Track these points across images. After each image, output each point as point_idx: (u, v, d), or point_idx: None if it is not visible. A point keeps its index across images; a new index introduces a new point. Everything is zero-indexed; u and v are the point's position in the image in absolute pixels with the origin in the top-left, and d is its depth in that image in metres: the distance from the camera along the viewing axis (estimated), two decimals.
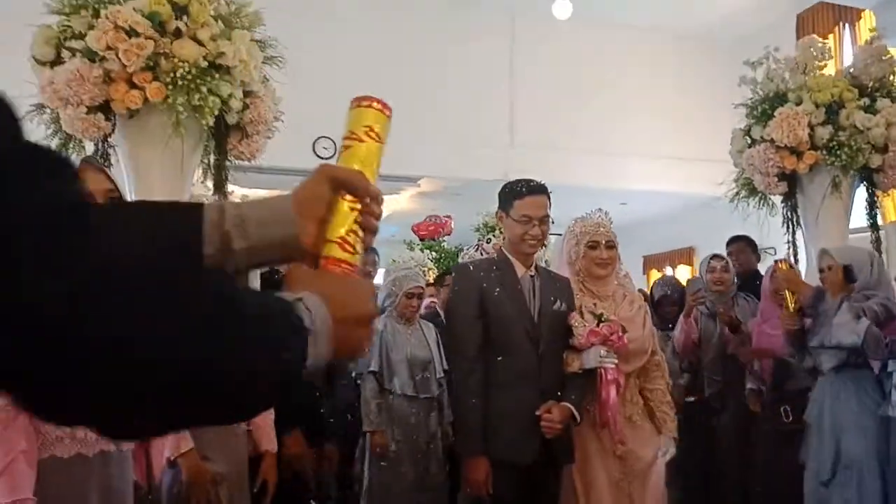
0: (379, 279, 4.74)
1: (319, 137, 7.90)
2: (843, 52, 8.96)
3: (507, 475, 2.33)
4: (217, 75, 2.64)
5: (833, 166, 3.54)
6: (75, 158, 2.18)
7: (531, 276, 2.48)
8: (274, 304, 0.61)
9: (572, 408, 2.36)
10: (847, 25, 8.96)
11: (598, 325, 2.38)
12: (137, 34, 2.54)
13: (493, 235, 6.48)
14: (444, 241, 8.66)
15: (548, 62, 8.41)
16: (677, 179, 8.06)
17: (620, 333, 2.38)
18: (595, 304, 2.50)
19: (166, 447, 2.06)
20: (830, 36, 9.17)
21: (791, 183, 3.72)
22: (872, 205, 3.74)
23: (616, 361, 2.39)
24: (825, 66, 3.69)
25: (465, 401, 2.37)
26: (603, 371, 2.38)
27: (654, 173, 8.14)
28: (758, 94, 3.74)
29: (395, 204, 10.27)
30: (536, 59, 8.44)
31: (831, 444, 2.98)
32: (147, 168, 2.71)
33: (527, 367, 2.37)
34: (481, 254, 6.22)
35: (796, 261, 3.76)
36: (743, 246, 4.12)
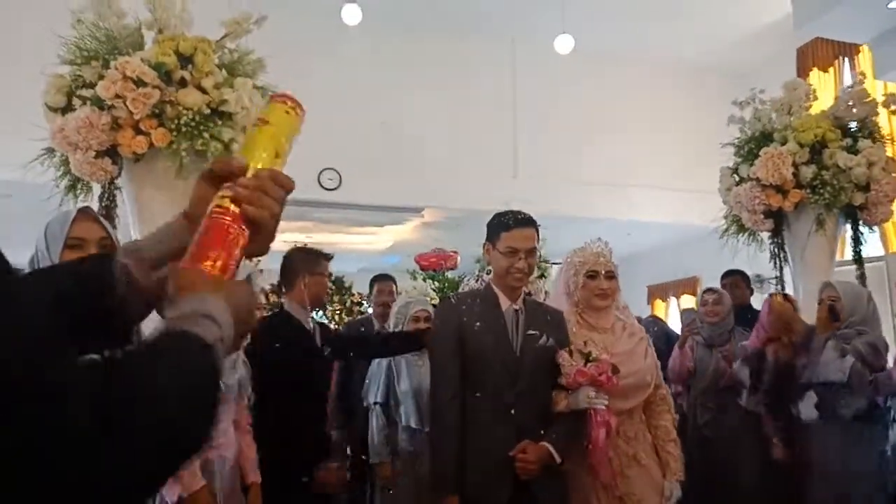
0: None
1: (324, 169, 8.05)
2: (843, 86, 9.07)
3: None
4: (220, 121, 2.77)
5: (817, 204, 3.63)
6: (73, 207, 2.27)
7: (515, 310, 2.40)
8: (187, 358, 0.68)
9: (550, 447, 2.26)
10: (846, 59, 9.08)
11: (585, 364, 2.30)
12: (144, 84, 2.67)
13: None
14: (448, 272, 8.75)
15: (550, 94, 8.56)
16: (681, 210, 8.15)
17: (610, 374, 2.29)
18: (585, 343, 2.40)
19: (177, 487, 2.11)
20: (830, 69, 9.30)
21: (777, 220, 3.82)
22: (857, 241, 3.83)
23: (606, 402, 2.30)
24: (811, 106, 3.79)
25: (439, 439, 2.31)
26: (592, 412, 2.30)
27: (658, 204, 8.23)
28: (745, 133, 3.85)
29: (398, 234, 10.39)
30: (539, 91, 8.59)
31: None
32: (150, 208, 2.82)
33: (503, 405, 2.29)
34: (481, 285, 6.33)
35: (784, 297, 3.84)
36: (737, 280, 4.23)
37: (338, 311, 11.15)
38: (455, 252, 8.96)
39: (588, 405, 2.28)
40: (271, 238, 0.87)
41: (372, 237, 10.66)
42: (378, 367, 3.57)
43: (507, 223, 2.37)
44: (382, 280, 4.47)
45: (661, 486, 2.47)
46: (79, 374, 0.58)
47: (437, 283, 8.35)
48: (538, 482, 2.24)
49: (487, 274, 6.46)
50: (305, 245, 3.11)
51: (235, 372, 2.51)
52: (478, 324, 2.34)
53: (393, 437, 3.43)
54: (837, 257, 4.09)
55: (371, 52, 8.07)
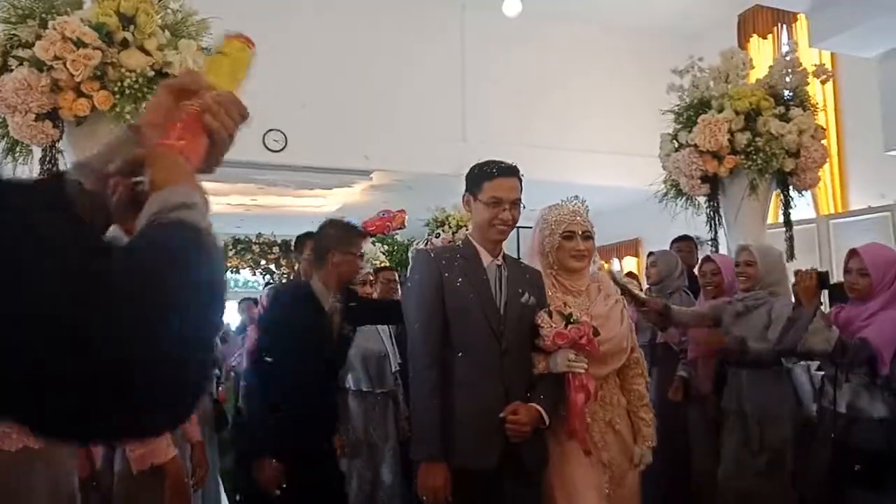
0: None
1: (269, 130, 7.93)
2: (781, 53, 9.33)
3: (469, 482, 2.13)
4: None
5: (750, 170, 3.79)
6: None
7: (498, 266, 2.28)
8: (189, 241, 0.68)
9: (541, 409, 2.17)
10: (784, 27, 9.31)
11: (566, 326, 2.20)
12: (85, 45, 2.62)
13: (443, 230, 6.66)
14: (396, 234, 8.79)
15: (499, 57, 8.57)
16: (626, 174, 8.32)
17: (591, 336, 2.19)
18: (564, 304, 2.31)
19: (153, 454, 2.08)
20: (770, 35, 9.54)
21: (713, 185, 3.98)
22: (787, 205, 4.02)
23: (586, 366, 2.21)
24: (747, 75, 3.93)
25: (421, 401, 2.17)
26: (571, 376, 2.21)
27: (604, 167, 8.37)
28: (685, 100, 3.98)
29: (347, 197, 10.33)
30: (488, 55, 8.59)
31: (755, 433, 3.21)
32: None
33: (490, 365, 2.18)
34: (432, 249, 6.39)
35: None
36: (683, 245, 4.36)
37: (285, 276, 11.12)
38: (402, 211, 9.00)
39: (567, 369, 2.19)
40: (219, 159, 0.91)
41: (320, 200, 10.59)
42: None
43: (490, 172, 2.25)
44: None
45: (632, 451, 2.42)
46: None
47: (386, 247, 8.40)
48: (525, 445, 2.16)
49: (437, 237, 6.55)
50: (342, 220, 2.95)
51: None
52: (460, 280, 2.21)
53: (342, 402, 3.34)
54: (769, 220, 4.28)
55: (319, 13, 7.94)
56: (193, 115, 0.88)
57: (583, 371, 2.21)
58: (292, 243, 10.65)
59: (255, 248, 11.30)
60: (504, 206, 2.22)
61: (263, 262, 11.64)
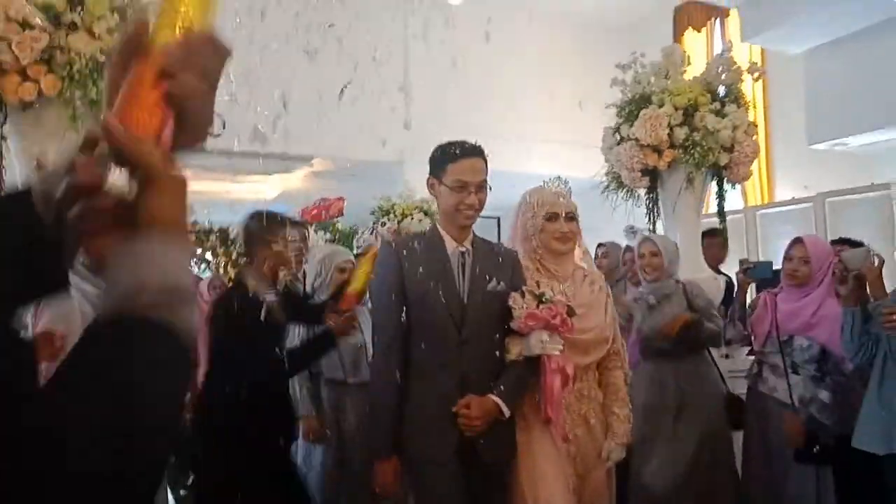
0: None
1: None
2: (713, 46, 9.66)
3: (430, 473, 2.10)
4: None
5: (688, 163, 3.97)
6: None
7: (462, 252, 2.19)
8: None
9: (498, 400, 2.08)
10: (718, 21, 9.65)
11: (538, 306, 2.11)
12: (31, 26, 2.56)
13: (388, 219, 6.68)
14: (338, 221, 8.77)
15: (441, 44, 8.62)
16: (567, 164, 8.47)
17: (564, 316, 2.11)
18: (537, 284, 2.23)
19: None
20: (704, 29, 9.88)
21: (653, 177, 4.14)
22: (721, 197, 4.23)
23: (561, 347, 2.13)
24: (685, 71, 4.10)
25: (377, 393, 2.16)
26: (546, 359, 2.12)
27: (547, 157, 8.52)
28: (627, 94, 4.13)
29: (287, 183, 10.24)
30: (430, 42, 8.63)
31: None
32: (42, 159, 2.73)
33: (447, 354, 2.11)
34: (376, 237, 6.41)
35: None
36: (715, 240, 4.40)
37: (224, 264, 10.92)
38: (340, 198, 8.95)
39: (541, 351, 2.11)
40: (203, 131, 0.71)
41: (259, 186, 10.45)
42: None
43: (453, 153, 2.14)
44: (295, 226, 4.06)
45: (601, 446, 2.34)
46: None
47: (328, 235, 8.37)
48: (484, 438, 2.09)
49: (382, 226, 6.58)
50: (263, 211, 2.85)
51: None
52: (420, 269, 2.13)
53: (315, 390, 3.31)
54: (703, 211, 4.48)
55: None
56: (144, 79, 0.63)
57: (558, 352, 2.11)
58: (230, 231, 10.49)
59: (192, 236, 11.07)
60: (470, 190, 2.13)
61: (199, 250, 11.39)
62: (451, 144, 2.19)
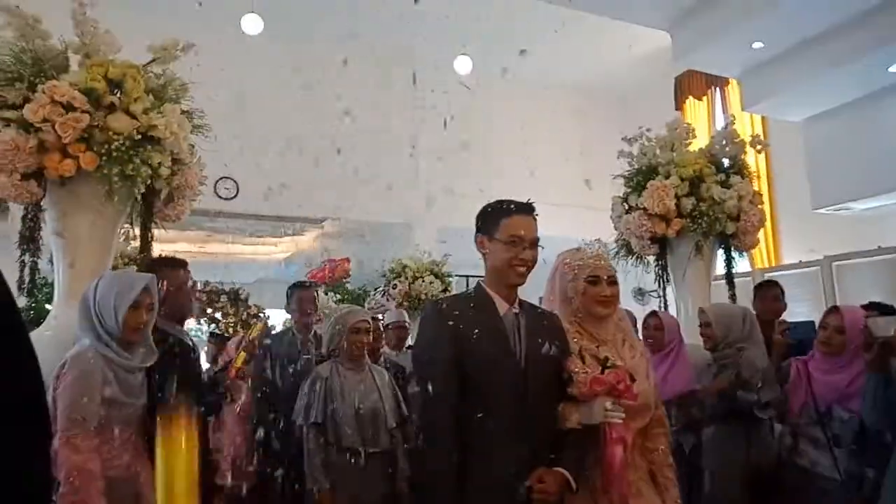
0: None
1: (221, 178, 8.02)
2: (714, 114, 9.92)
3: None
4: (149, 147, 2.84)
5: (696, 232, 4.09)
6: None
7: (515, 314, 2.09)
8: None
9: (567, 474, 1.95)
10: (718, 90, 9.92)
11: (602, 371, 2.02)
12: (74, 108, 2.71)
13: (399, 281, 6.78)
14: (347, 282, 8.86)
15: (450, 112, 8.87)
16: (578, 226, 8.59)
17: (629, 382, 2.01)
18: (598, 347, 2.16)
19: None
20: (704, 98, 10.15)
21: (661, 244, 4.26)
22: (729, 264, 4.32)
23: (623, 415, 2.01)
24: (690, 143, 4.25)
25: (439, 473, 1.93)
26: (608, 428, 1.99)
27: (556, 219, 8.61)
28: (634, 166, 4.27)
29: (297, 245, 10.39)
30: (439, 109, 8.88)
31: None
32: (76, 231, 2.84)
33: (514, 426, 1.97)
34: (387, 299, 6.50)
35: (664, 309, 4.28)
36: (769, 293, 4.35)
37: (232, 325, 10.97)
38: (345, 259, 9.05)
39: (603, 419, 1.98)
40: None
41: (270, 248, 10.61)
42: (313, 386, 3.25)
43: (507, 209, 2.10)
44: (304, 289, 4.05)
45: None
46: None
47: (338, 296, 8.46)
48: None
49: (394, 288, 6.67)
50: (161, 256, 2.90)
51: (143, 394, 2.43)
52: (476, 332, 2.02)
53: (329, 460, 3.15)
54: (714, 272, 4.57)
55: (275, 64, 8.12)
56: None
57: (620, 421, 2.00)
58: (241, 292, 10.57)
59: (203, 296, 11.15)
60: (524, 245, 2.06)
61: (210, 310, 11.45)
62: (502, 202, 2.13)
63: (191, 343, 2.87)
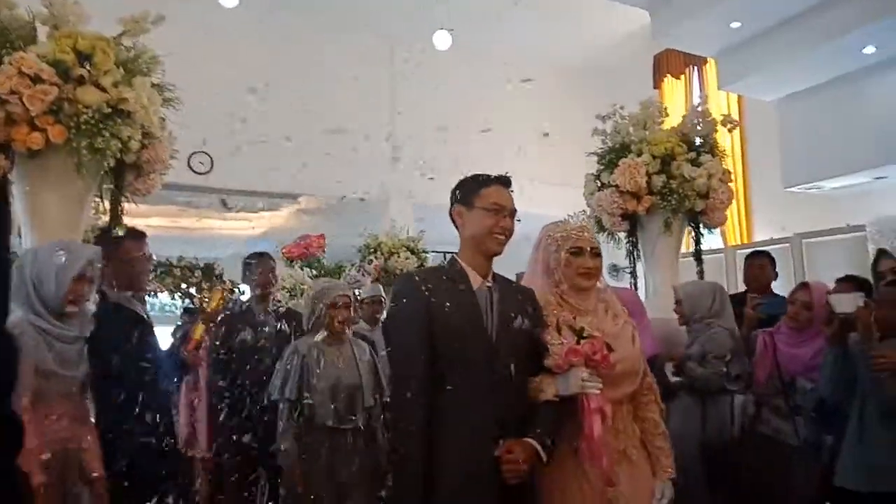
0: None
1: (195, 152, 7.92)
2: (692, 93, 9.97)
3: None
4: (119, 120, 2.82)
5: (665, 209, 4.16)
6: None
7: (488, 288, 2.09)
8: None
9: (537, 445, 1.95)
10: (696, 68, 9.96)
11: (578, 342, 2.01)
12: (42, 80, 2.68)
13: (375, 257, 6.80)
14: (322, 258, 8.86)
15: (428, 88, 8.83)
16: (553, 203, 8.64)
17: (605, 352, 2.01)
18: (575, 318, 2.13)
19: None
20: (682, 76, 10.18)
21: (632, 221, 4.32)
22: (698, 241, 4.42)
23: (601, 386, 2.01)
24: (663, 122, 4.30)
25: (406, 441, 1.94)
26: (585, 399, 1.99)
27: (531, 196, 8.65)
28: (607, 143, 4.32)
29: (273, 220, 10.34)
30: (417, 85, 8.84)
31: None
32: (45, 205, 2.83)
33: (482, 398, 1.97)
34: (363, 274, 6.52)
35: (635, 287, 4.36)
36: (755, 261, 4.34)
37: (207, 300, 10.91)
38: (321, 236, 9.02)
39: (580, 390, 1.99)
40: None
41: (245, 223, 10.55)
42: (290, 361, 3.22)
43: (486, 179, 2.13)
44: (261, 259, 4.00)
45: (651, 486, 2.22)
46: None
47: (313, 271, 8.45)
48: (524, 485, 1.95)
49: (369, 263, 6.69)
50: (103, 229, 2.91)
51: (82, 364, 2.43)
52: (447, 304, 2.01)
53: (303, 436, 3.13)
54: (684, 249, 4.65)
55: (249, 39, 8.02)
56: None
57: (598, 392, 2.00)
58: (216, 266, 10.51)
59: (177, 271, 11.10)
60: (504, 213, 2.09)
61: (184, 285, 11.39)
62: (479, 175, 2.16)
63: (145, 315, 2.87)
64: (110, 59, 2.84)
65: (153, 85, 3.03)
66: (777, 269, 4.31)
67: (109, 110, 2.80)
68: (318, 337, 3.24)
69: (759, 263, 4.26)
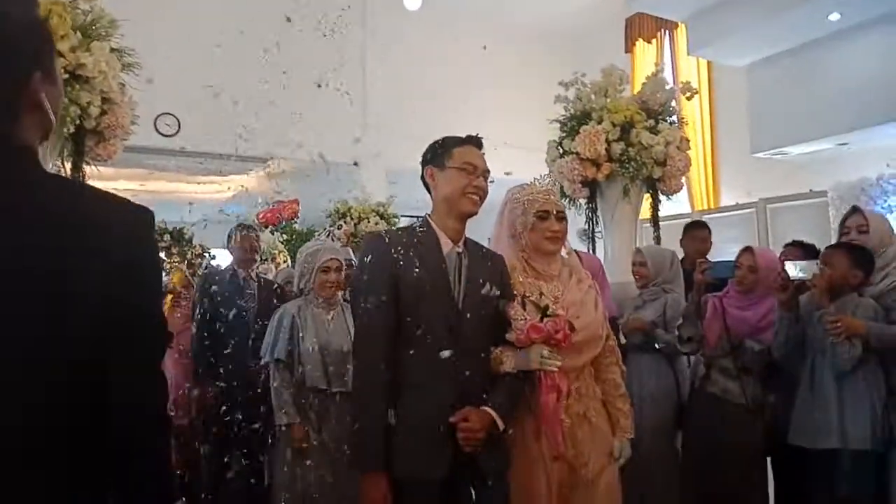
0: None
1: (161, 114, 7.84)
2: (663, 56, 10.01)
3: (420, 492, 1.92)
4: (77, 86, 2.82)
5: (624, 176, 4.25)
6: None
7: (458, 253, 2.06)
8: None
9: (494, 414, 1.96)
10: (667, 32, 9.98)
11: (541, 319, 2.01)
12: None
13: (344, 222, 6.83)
14: (294, 223, 8.85)
15: (399, 51, 8.77)
16: (521, 167, 8.70)
17: (567, 331, 2.01)
18: (540, 294, 2.11)
19: None
20: (654, 40, 10.20)
21: (592, 188, 4.41)
22: (655, 207, 4.53)
23: (560, 364, 2.02)
24: (623, 89, 4.36)
25: (366, 404, 1.93)
26: (542, 375, 2.01)
27: (500, 160, 8.69)
28: (569, 110, 4.38)
29: (242, 184, 10.26)
30: (388, 48, 8.78)
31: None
32: None
33: (444, 364, 1.95)
34: (332, 240, 6.55)
35: (593, 251, 4.46)
36: (698, 232, 4.43)
37: (177, 264, 10.85)
38: (294, 201, 8.99)
39: (539, 367, 2.00)
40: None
41: (215, 186, 10.47)
42: (280, 322, 3.21)
43: (458, 139, 2.11)
44: (246, 230, 4.09)
45: (611, 445, 2.27)
46: None
47: (284, 236, 8.47)
48: (482, 452, 1.95)
49: (338, 228, 6.71)
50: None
51: None
52: (416, 269, 1.98)
53: (299, 397, 3.14)
54: (647, 216, 4.75)
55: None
56: None
57: (556, 370, 2.01)
58: (185, 231, 10.41)
59: None
60: (477, 173, 2.05)
61: None
62: (451, 136, 2.13)
63: None
64: (66, 23, 2.83)
65: (112, 50, 3.02)
66: (742, 234, 4.43)
67: (67, 76, 2.80)
68: (308, 300, 3.23)
69: (702, 236, 4.36)
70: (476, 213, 2.08)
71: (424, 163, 2.14)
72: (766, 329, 3.23)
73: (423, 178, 2.15)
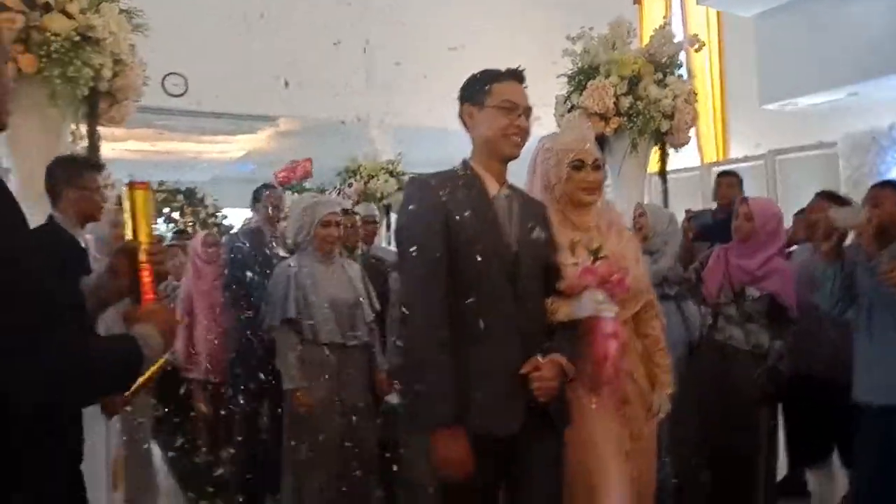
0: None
1: (169, 74, 7.82)
2: (671, 6, 9.87)
3: (487, 449, 1.77)
4: (89, 48, 2.84)
5: (632, 130, 4.27)
6: None
7: (506, 196, 1.92)
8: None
9: (563, 361, 1.82)
10: None
11: (593, 262, 1.89)
12: (7, 7, 2.69)
13: (355, 180, 6.86)
14: (305, 183, 8.89)
15: (404, 7, 8.68)
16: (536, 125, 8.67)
17: (621, 274, 1.90)
18: (590, 238, 2.00)
19: None
20: None
21: (600, 143, 4.40)
22: (663, 161, 4.55)
23: (617, 309, 1.91)
24: (631, 42, 4.35)
25: (428, 356, 1.76)
26: (598, 322, 1.89)
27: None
28: (577, 64, 4.38)
29: (252, 143, 10.30)
30: (391, 3, 8.68)
31: None
32: (20, 136, 2.87)
33: (505, 312, 1.82)
34: (343, 197, 6.59)
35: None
36: (724, 180, 4.51)
37: (190, 224, 10.97)
38: (307, 160, 9.02)
39: (594, 313, 1.87)
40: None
41: (224, 146, 10.50)
42: (284, 282, 3.07)
43: (498, 74, 1.94)
44: (273, 189, 4.14)
45: (650, 401, 2.19)
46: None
47: (295, 194, 8.51)
48: (552, 403, 1.83)
49: (349, 187, 6.75)
50: (70, 155, 2.76)
51: None
52: (466, 213, 1.84)
53: (305, 357, 3.02)
54: (655, 169, 4.78)
55: None
56: (147, 280, 1.35)
57: (612, 315, 1.89)
58: (197, 191, 10.46)
59: (159, 195, 11.09)
60: (518, 112, 1.88)
61: (167, 209, 11.38)
62: (490, 69, 1.97)
63: (83, 245, 2.73)
64: None
65: (121, 11, 3.03)
66: (751, 186, 4.50)
67: (78, 38, 2.82)
68: (304, 255, 3.13)
69: (728, 182, 4.42)
70: (518, 157, 1.93)
71: (462, 100, 1.97)
72: (767, 277, 3.28)
73: (460, 116, 1.98)
